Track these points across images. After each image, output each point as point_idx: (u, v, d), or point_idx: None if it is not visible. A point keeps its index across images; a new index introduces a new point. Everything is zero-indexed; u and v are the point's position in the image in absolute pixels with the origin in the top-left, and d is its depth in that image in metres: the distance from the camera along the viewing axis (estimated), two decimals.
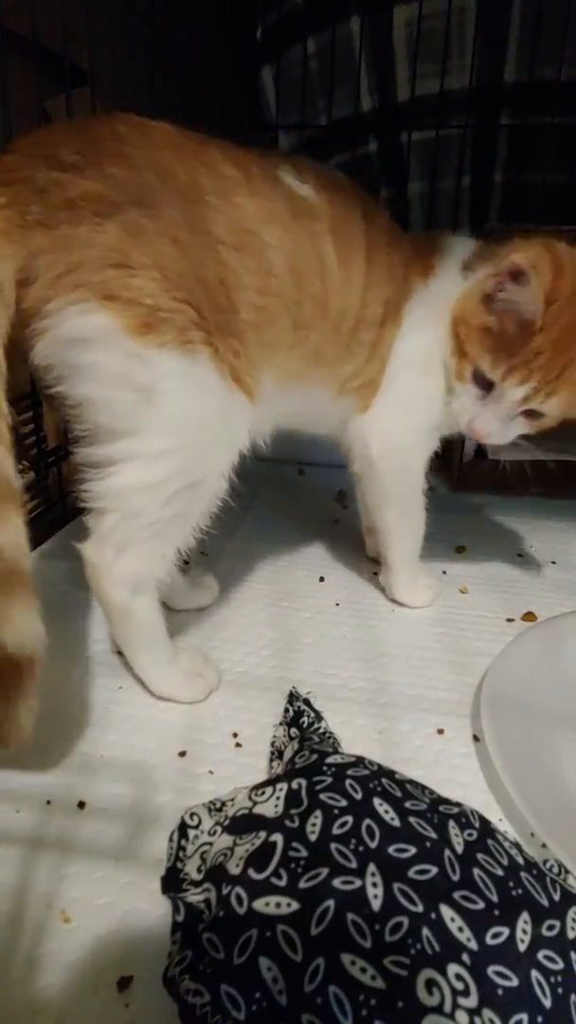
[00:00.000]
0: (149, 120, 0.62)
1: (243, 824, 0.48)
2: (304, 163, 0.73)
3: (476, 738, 0.67)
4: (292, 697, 0.68)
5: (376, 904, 0.39)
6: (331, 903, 0.39)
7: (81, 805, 0.57)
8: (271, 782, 0.51)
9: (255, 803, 0.49)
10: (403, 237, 0.83)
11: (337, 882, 0.40)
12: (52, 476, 1.05)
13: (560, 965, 0.39)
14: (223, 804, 0.53)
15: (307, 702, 0.67)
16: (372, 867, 0.41)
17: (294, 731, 0.62)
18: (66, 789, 0.59)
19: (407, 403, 0.82)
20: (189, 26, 1.28)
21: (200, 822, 0.51)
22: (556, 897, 0.43)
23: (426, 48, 1.42)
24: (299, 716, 0.64)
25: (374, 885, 0.40)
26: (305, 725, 0.62)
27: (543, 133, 1.43)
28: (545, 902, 0.43)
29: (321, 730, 0.62)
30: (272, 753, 0.62)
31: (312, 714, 0.65)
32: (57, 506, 1.06)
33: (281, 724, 0.65)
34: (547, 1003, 0.37)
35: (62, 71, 0.91)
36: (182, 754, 0.64)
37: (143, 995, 0.43)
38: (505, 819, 0.58)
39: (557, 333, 0.68)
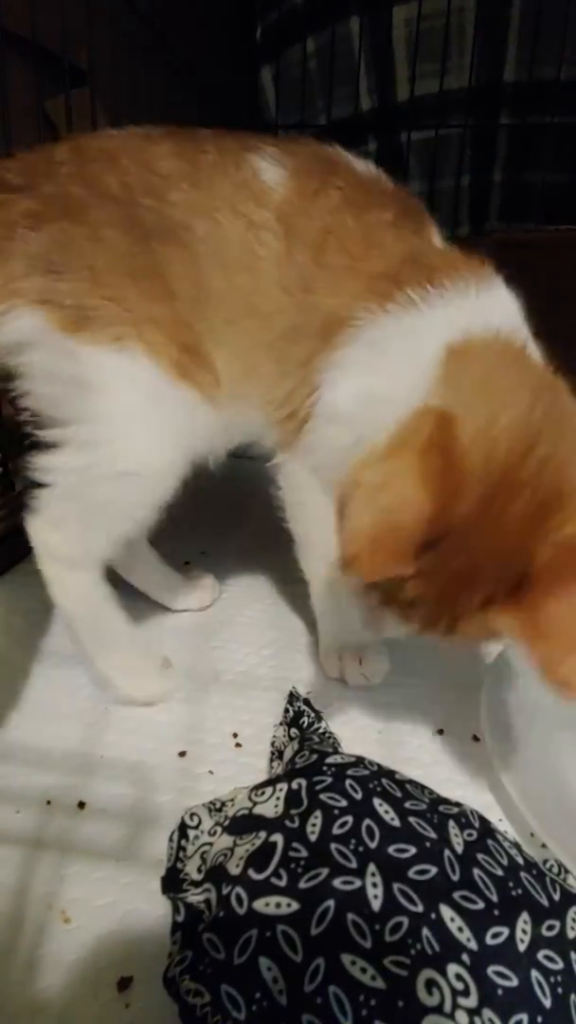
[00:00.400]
0: (94, 136, 0.69)
1: (243, 824, 0.47)
2: (301, 146, 0.69)
3: (476, 738, 0.67)
4: (292, 697, 0.67)
5: (376, 904, 0.39)
6: (331, 903, 0.39)
7: (81, 805, 0.57)
8: (271, 782, 0.51)
9: (255, 803, 0.49)
10: (421, 244, 0.67)
11: (337, 882, 0.40)
12: None
13: (560, 965, 0.39)
14: (223, 804, 0.53)
15: (307, 702, 0.66)
16: (372, 867, 0.41)
17: (294, 731, 0.61)
18: (66, 789, 0.59)
19: (315, 455, 0.68)
20: (189, 26, 1.28)
21: (200, 822, 0.51)
22: (556, 897, 0.43)
23: (426, 48, 1.42)
24: (299, 716, 0.63)
25: (374, 885, 0.40)
26: (305, 725, 0.62)
27: (543, 133, 1.43)
28: (545, 902, 0.42)
29: (321, 730, 0.62)
30: (272, 753, 0.62)
31: (312, 714, 0.64)
32: None
33: (281, 724, 0.64)
34: (547, 1003, 0.37)
35: (61, 71, 0.91)
36: (182, 754, 0.64)
37: (143, 995, 0.43)
38: (505, 819, 0.58)
39: (444, 579, 0.49)
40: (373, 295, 0.62)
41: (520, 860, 0.45)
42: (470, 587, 0.49)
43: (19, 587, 0.86)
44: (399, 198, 0.69)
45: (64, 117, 0.94)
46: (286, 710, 0.66)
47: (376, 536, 0.46)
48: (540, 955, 0.39)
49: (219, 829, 0.49)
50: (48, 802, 0.57)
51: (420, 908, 0.39)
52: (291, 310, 0.65)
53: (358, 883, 0.40)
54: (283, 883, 0.41)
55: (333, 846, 0.42)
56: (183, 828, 0.51)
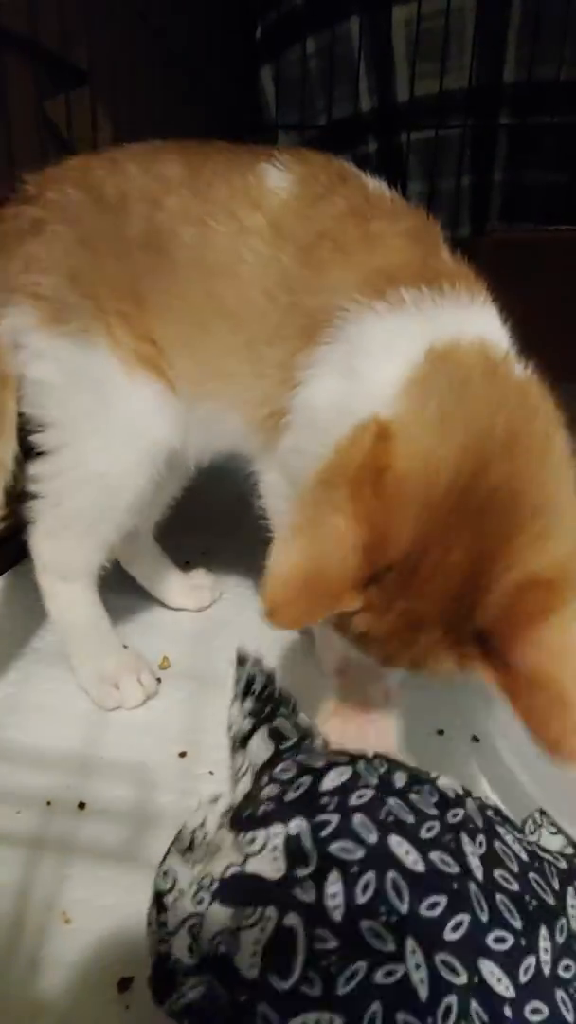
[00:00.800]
0: (108, 150, 0.72)
1: (239, 892, 0.38)
2: (314, 156, 0.69)
3: (476, 739, 0.67)
4: (240, 661, 0.55)
5: (423, 992, 0.34)
6: (377, 1007, 0.33)
7: (81, 806, 0.57)
8: (259, 822, 0.41)
9: (247, 857, 0.39)
10: (428, 253, 0.64)
11: (379, 976, 0.34)
12: None
13: (573, 969, 0.38)
14: (192, 836, 0.43)
15: (256, 663, 0.55)
16: (411, 943, 0.35)
17: (248, 703, 0.52)
18: (66, 790, 0.59)
19: (289, 454, 0.65)
20: (189, 26, 1.28)
21: (176, 880, 0.41)
22: (556, 885, 0.41)
23: (426, 48, 1.42)
24: (250, 684, 0.53)
25: (417, 967, 0.34)
26: (257, 692, 0.52)
27: (543, 133, 1.43)
28: (551, 899, 0.40)
29: (276, 693, 0.52)
30: (233, 741, 0.51)
31: (264, 676, 0.53)
32: None
33: (233, 700, 0.53)
34: (570, 1018, 0.36)
35: (61, 71, 0.91)
36: (182, 754, 0.64)
37: (144, 996, 0.43)
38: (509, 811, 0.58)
39: (393, 617, 0.45)
40: (365, 289, 0.59)
41: (524, 855, 0.42)
42: (421, 627, 0.44)
43: (19, 587, 0.86)
44: (409, 213, 0.67)
45: (64, 117, 0.94)
46: (236, 680, 0.54)
47: (300, 582, 0.41)
48: (560, 969, 0.37)
49: (205, 897, 0.39)
50: (49, 803, 0.57)
51: (464, 978, 0.35)
52: (271, 313, 0.64)
53: (401, 970, 0.34)
54: (317, 992, 0.34)
55: (364, 924, 0.35)
56: (157, 898, 0.41)
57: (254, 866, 0.38)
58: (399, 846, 0.39)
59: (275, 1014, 0.33)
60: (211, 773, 0.62)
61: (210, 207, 0.65)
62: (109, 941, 0.47)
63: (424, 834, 0.40)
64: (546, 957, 0.37)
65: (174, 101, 1.23)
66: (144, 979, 0.44)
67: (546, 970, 0.36)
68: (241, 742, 0.50)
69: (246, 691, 0.52)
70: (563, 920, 0.39)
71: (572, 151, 1.40)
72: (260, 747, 0.48)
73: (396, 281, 0.58)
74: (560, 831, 0.48)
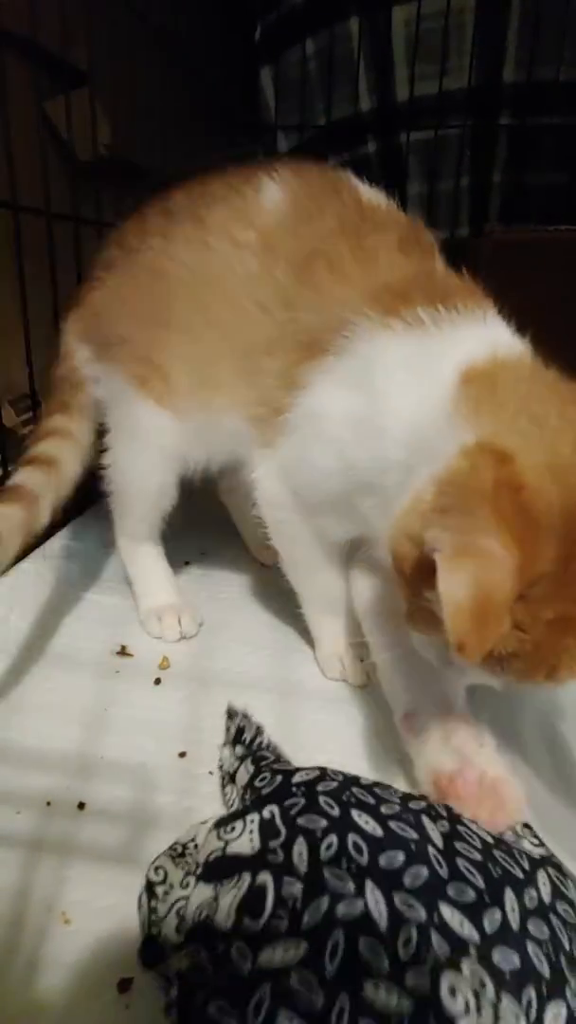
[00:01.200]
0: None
1: (219, 869, 0.43)
2: (310, 170, 0.72)
3: None
4: (231, 714, 0.64)
5: (383, 922, 0.38)
6: (340, 934, 0.37)
7: (81, 806, 0.57)
8: (238, 815, 0.46)
9: (227, 842, 0.44)
10: (428, 267, 0.67)
11: (341, 908, 0.38)
12: None
13: (546, 932, 0.40)
14: (184, 848, 0.47)
15: (246, 716, 0.63)
16: (370, 883, 0.40)
17: (239, 749, 0.59)
18: (66, 790, 0.59)
19: (293, 465, 0.68)
20: (188, 27, 1.28)
21: (167, 875, 0.46)
22: (526, 866, 0.44)
23: (425, 48, 1.42)
24: (241, 733, 0.61)
25: (376, 902, 0.39)
26: (247, 741, 0.59)
27: (542, 133, 1.43)
28: (520, 874, 0.43)
29: (265, 743, 0.59)
30: (223, 777, 0.59)
31: (254, 728, 0.61)
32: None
33: (225, 744, 0.61)
34: (546, 971, 0.37)
35: (61, 72, 0.91)
36: (182, 755, 0.64)
37: (144, 996, 0.43)
38: None
39: (539, 630, 0.46)
40: (375, 305, 0.60)
41: (490, 839, 0.46)
42: (570, 632, 0.46)
43: (18, 587, 0.86)
44: (404, 225, 0.69)
45: (64, 117, 0.95)
46: (227, 728, 0.63)
47: (476, 611, 0.42)
48: (530, 926, 0.39)
49: (191, 880, 0.44)
50: (48, 803, 0.57)
51: (423, 914, 0.38)
52: (266, 325, 0.68)
53: (360, 905, 0.39)
54: (284, 924, 0.38)
55: (326, 871, 0.40)
56: (150, 888, 0.45)
57: (233, 848, 0.44)
58: (359, 816, 0.44)
59: (248, 948, 0.38)
60: (211, 773, 0.61)
61: (208, 228, 0.71)
62: (109, 942, 0.47)
63: (384, 810, 0.46)
64: (513, 915, 0.40)
65: (174, 101, 1.23)
66: (144, 979, 0.44)
67: (514, 925, 0.39)
68: (230, 777, 0.57)
69: (236, 738, 0.60)
70: (532, 891, 0.42)
71: (572, 151, 1.40)
72: (243, 772, 0.55)
73: (410, 301, 0.59)
74: (542, 844, 0.49)
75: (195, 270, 0.72)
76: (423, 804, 0.47)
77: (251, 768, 0.55)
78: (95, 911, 0.49)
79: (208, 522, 1.05)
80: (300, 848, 0.42)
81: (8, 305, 0.90)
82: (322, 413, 0.63)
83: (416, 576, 0.49)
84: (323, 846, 0.42)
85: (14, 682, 0.72)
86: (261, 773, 0.52)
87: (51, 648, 0.78)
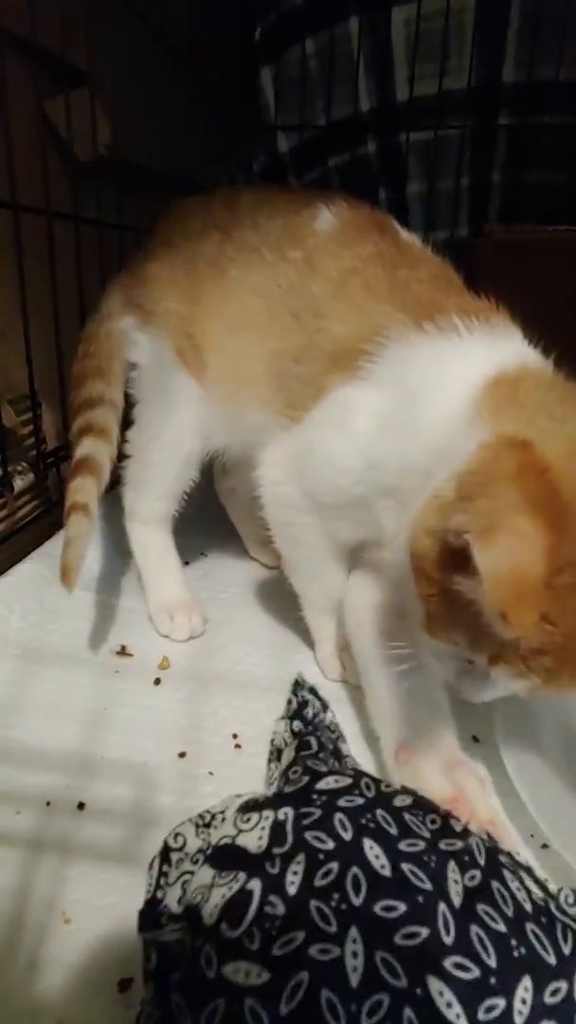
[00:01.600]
0: (218, 193, 0.89)
1: (224, 857, 0.41)
2: (361, 207, 0.77)
3: (476, 739, 0.67)
4: (297, 686, 0.60)
5: (355, 979, 0.34)
6: (304, 976, 0.34)
7: (81, 806, 0.57)
8: (261, 806, 0.44)
9: (239, 831, 0.43)
10: (452, 296, 0.68)
11: (314, 950, 0.35)
12: (52, 477, 1.05)
13: None
14: (212, 819, 0.46)
15: (312, 690, 0.60)
16: (354, 931, 0.36)
17: (297, 725, 0.56)
18: (66, 790, 0.59)
19: (310, 461, 0.68)
20: (188, 27, 1.28)
21: (185, 843, 0.44)
22: (567, 950, 0.38)
23: (425, 48, 1.42)
24: (303, 707, 0.58)
25: (354, 955, 0.35)
26: (310, 716, 0.57)
27: (542, 133, 1.43)
28: (552, 959, 0.37)
29: (327, 721, 0.57)
30: (271, 752, 0.57)
31: (318, 703, 0.58)
32: (57, 507, 1.06)
33: (283, 718, 0.58)
34: None
35: (61, 72, 0.91)
36: (182, 755, 0.64)
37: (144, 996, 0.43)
38: (507, 819, 0.58)
39: (572, 622, 0.44)
40: (408, 312, 0.63)
41: (528, 906, 0.39)
42: None
43: (19, 587, 0.86)
44: (436, 263, 0.72)
45: (63, 118, 0.94)
46: (289, 701, 0.59)
47: (516, 586, 0.41)
48: None
49: (201, 857, 0.42)
50: (48, 803, 0.57)
51: (404, 983, 0.34)
52: (298, 332, 0.71)
53: (336, 952, 0.35)
54: (255, 946, 0.36)
55: (312, 903, 0.37)
56: (165, 851, 0.44)
57: (242, 840, 0.42)
58: (370, 849, 0.40)
59: (215, 956, 0.36)
60: (211, 774, 0.62)
61: (264, 238, 0.76)
62: (109, 941, 0.47)
63: (403, 847, 0.41)
64: (522, 1008, 0.34)
65: (173, 101, 1.23)
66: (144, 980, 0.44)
67: (517, 1020, 0.34)
68: (278, 754, 0.55)
69: (295, 713, 0.57)
70: (563, 984, 0.36)
71: (571, 151, 1.40)
72: (287, 754, 0.53)
73: (444, 309, 0.62)
74: None
75: (246, 273, 0.76)
76: (459, 845, 0.42)
77: (292, 754, 0.52)
78: (95, 911, 0.49)
79: (208, 522, 1.05)
80: (297, 867, 0.39)
81: (8, 305, 0.90)
82: (350, 407, 0.64)
83: (440, 569, 0.48)
84: (319, 872, 0.39)
85: (14, 682, 0.72)
86: (295, 765, 0.49)
87: (51, 648, 0.78)
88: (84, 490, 0.79)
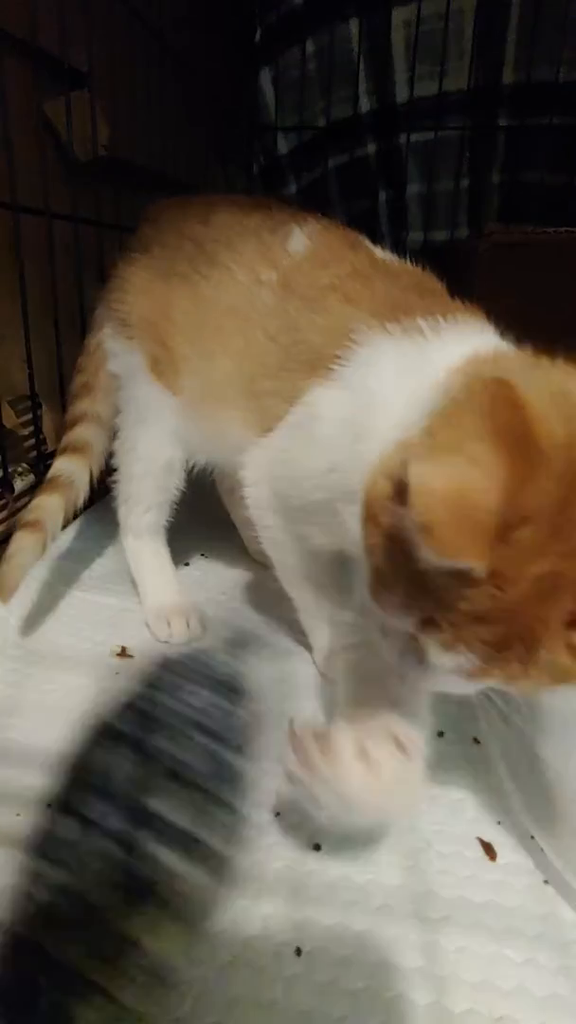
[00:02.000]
0: (192, 200, 0.88)
1: None
2: (333, 227, 0.77)
3: (476, 740, 0.67)
4: None
5: None
6: None
7: None
8: None
9: None
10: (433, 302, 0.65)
11: None
12: None
13: None
14: None
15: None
16: None
17: None
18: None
19: (280, 464, 0.68)
20: (188, 28, 1.28)
21: None
22: None
23: (424, 50, 1.42)
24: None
25: None
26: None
27: (541, 134, 1.43)
28: None
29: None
30: None
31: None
32: None
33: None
34: None
35: (61, 73, 0.91)
36: None
37: None
38: (504, 821, 0.58)
39: (524, 589, 0.37)
40: (376, 316, 0.61)
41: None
42: (557, 599, 0.37)
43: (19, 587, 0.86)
44: (414, 273, 0.71)
45: (63, 119, 0.94)
46: None
47: (452, 503, 0.35)
48: None
49: None
50: (49, 805, 0.57)
51: None
52: (275, 352, 0.70)
53: None
54: None
55: None
56: None
57: None
58: None
59: None
60: None
61: (237, 257, 0.75)
62: None
63: None
64: None
65: (173, 102, 1.23)
66: None
67: None
68: None
69: None
70: None
71: (571, 152, 1.40)
72: None
73: (410, 311, 0.60)
74: None
75: (219, 293, 0.75)
76: None
77: None
78: None
79: (208, 522, 1.05)
80: None
81: (8, 306, 0.90)
82: (314, 409, 0.64)
83: (388, 512, 0.42)
84: None
85: (14, 682, 0.72)
86: None
87: (51, 648, 0.78)
88: (41, 508, 0.80)
